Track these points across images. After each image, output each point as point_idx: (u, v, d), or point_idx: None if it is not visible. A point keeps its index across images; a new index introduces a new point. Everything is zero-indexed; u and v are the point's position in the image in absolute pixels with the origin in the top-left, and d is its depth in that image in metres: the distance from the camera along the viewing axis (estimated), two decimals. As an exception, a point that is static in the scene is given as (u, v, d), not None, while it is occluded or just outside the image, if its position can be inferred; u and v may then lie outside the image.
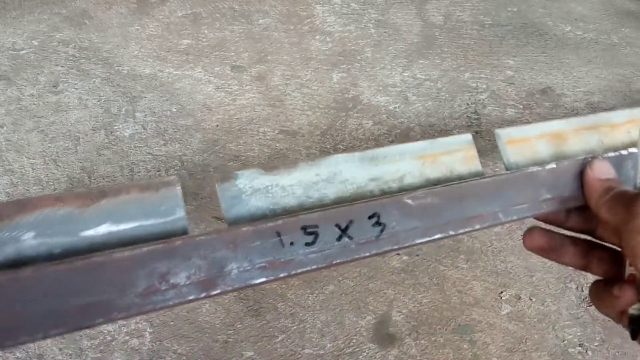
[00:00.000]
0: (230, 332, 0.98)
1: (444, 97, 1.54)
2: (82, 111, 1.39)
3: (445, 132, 1.43)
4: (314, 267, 0.30)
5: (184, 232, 0.28)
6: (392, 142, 1.39)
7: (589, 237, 0.39)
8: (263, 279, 0.29)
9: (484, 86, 1.60)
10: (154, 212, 0.28)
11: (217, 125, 1.39)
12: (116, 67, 1.53)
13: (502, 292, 1.07)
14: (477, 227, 0.33)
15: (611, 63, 1.75)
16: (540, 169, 0.35)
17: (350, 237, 0.30)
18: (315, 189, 0.31)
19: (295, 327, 0.99)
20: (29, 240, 0.25)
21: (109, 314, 0.26)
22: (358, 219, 0.31)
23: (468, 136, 0.36)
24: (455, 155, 0.35)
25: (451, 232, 0.33)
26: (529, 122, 1.47)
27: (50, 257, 0.26)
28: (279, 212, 0.30)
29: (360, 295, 1.05)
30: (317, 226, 0.30)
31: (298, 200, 0.31)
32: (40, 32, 1.62)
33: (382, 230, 0.31)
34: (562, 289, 1.08)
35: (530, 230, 0.38)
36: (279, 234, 0.29)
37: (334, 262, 0.30)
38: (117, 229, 0.27)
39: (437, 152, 0.35)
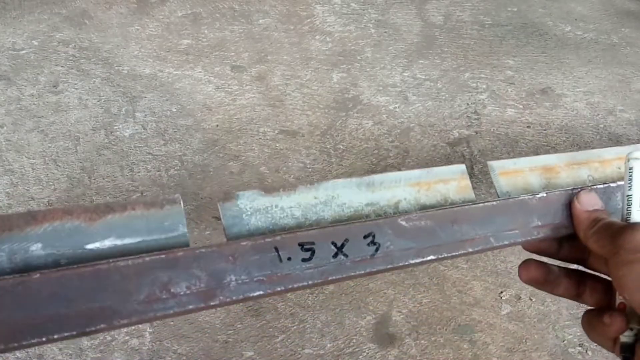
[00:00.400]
0: (230, 332, 0.98)
1: (444, 97, 1.54)
2: (82, 111, 1.39)
3: (445, 131, 1.43)
4: (310, 282, 0.31)
5: None
6: (392, 142, 1.39)
7: (581, 268, 0.40)
8: (260, 292, 0.29)
9: (484, 86, 1.60)
10: (158, 228, 0.29)
11: (217, 125, 1.39)
12: (116, 67, 1.53)
13: (502, 292, 1.07)
14: (469, 250, 0.34)
15: (611, 63, 1.75)
16: (531, 197, 0.37)
17: (345, 255, 0.31)
18: (314, 212, 0.32)
19: (295, 327, 0.99)
20: (37, 251, 0.26)
21: (111, 320, 0.26)
22: (354, 238, 0.32)
23: (462, 167, 0.37)
24: (450, 184, 0.36)
25: (444, 254, 0.34)
26: (528, 124, 1.47)
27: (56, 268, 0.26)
28: (277, 232, 0.31)
29: (360, 295, 1.05)
30: (313, 243, 0.31)
31: (296, 221, 0.32)
32: (40, 32, 1.62)
33: (376, 250, 0.32)
34: (561, 289, 1.09)
35: (526, 262, 0.39)
36: (277, 249, 0.30)
37: (329, 279, 0.31)
38: (122, 243, 0.28)
39: (432, 180, 0.36)
